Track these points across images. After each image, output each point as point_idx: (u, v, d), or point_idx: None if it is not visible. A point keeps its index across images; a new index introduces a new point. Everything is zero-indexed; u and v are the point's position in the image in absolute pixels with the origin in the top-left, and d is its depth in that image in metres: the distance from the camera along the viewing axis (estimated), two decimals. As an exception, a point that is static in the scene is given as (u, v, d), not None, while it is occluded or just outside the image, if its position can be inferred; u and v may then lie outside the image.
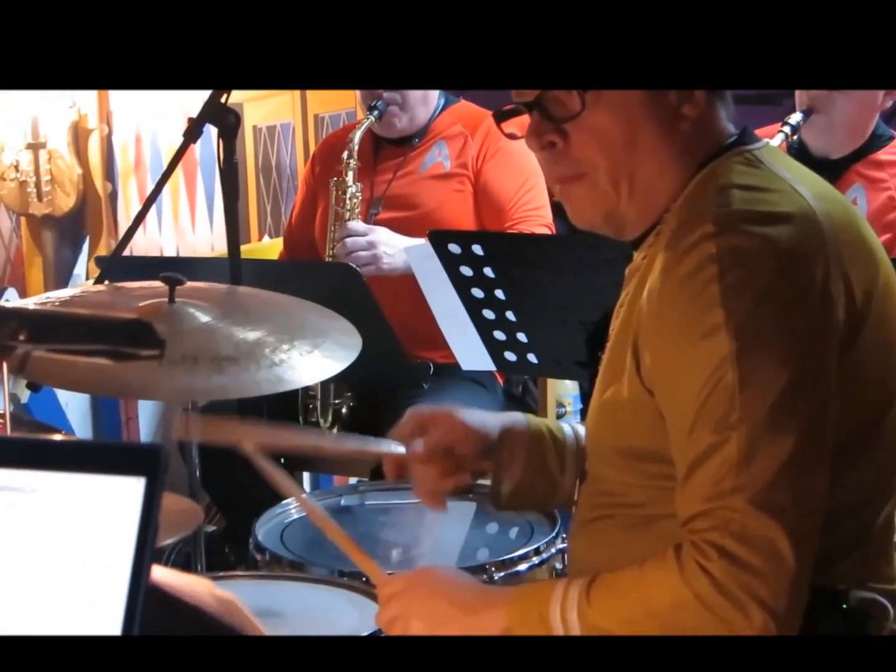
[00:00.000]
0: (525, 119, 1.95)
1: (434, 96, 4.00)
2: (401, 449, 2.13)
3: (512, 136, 2.05)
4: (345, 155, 3.91)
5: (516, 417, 2.20)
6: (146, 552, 1.21)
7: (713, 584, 1.67)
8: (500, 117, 2.01)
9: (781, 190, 1.84)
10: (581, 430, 2.18)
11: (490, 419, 2.17)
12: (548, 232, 3.83)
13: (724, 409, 1.72)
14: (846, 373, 1.78)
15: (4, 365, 1.61)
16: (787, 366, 1.72)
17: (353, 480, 3.78)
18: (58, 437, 2.95)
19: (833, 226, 1.82)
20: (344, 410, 3.80)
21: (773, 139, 3.38)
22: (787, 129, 3.48)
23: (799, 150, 3.50)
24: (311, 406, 3.80)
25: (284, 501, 2.75)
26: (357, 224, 3.83)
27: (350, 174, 3.91)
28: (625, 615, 1.75)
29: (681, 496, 1.76)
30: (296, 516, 2.71)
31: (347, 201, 3.90)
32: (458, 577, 2.00)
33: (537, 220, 3.83)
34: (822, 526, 1.74)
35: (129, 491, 1.22)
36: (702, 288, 1.75)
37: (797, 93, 3.59)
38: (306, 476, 4.20)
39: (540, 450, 2.15)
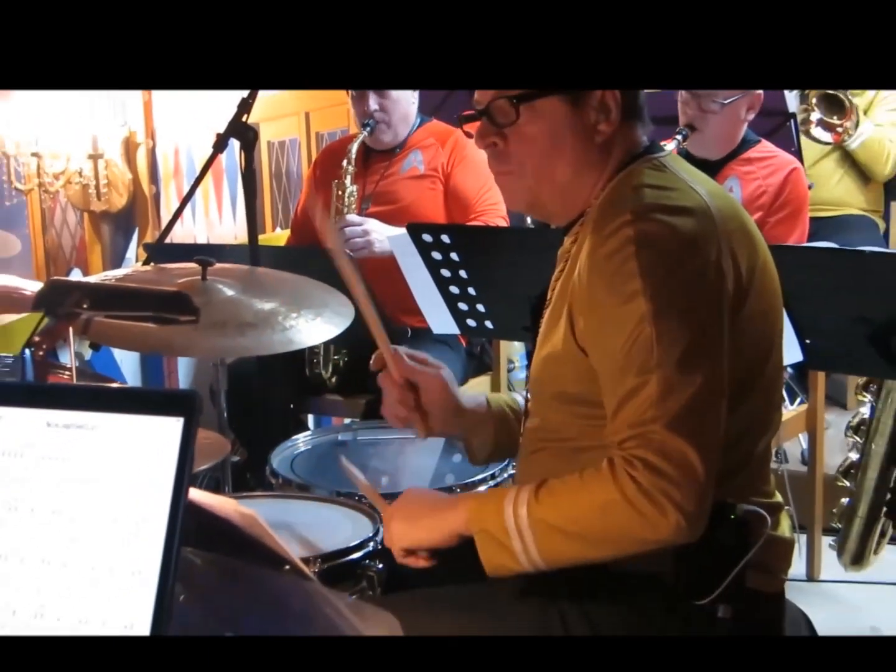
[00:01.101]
0: None
1: (413, 115, 4.00)
2: (398, 355, 2.09)
3: (468, 135, 2.04)
4: (344, 162, 3.91)
5: (480, 399, 2.16)
6: (185, 477, 1.22)
7: (639, 488, 1.67)
8: (462, 120, 2.01)
9: (682, 189, 1.85)
10: None
11: (464, 397, 2.14)
12: (503, 223, 3.83)
13: (643, 358, 1.72)
14: (737, 330, 1.79)
15: (71, 328, 1.61)
16: (691, 323, 1.74)
17: (347, 420, 3.80)
18: (114, 385, 2.96)
19: (722, 217, 1.83)
20: (340, 364, 3.82)
21: (668, 145, 3.43)
22: (679, 137, 3.53)
23: (686, 154, 3.52)
24: (314, 360, 3.82)
25: (293, 437, 2.76)
26: (353, 216, 3.84)
27: (348, 177, 3.91)
28: (566, 512, 1.75)
29: (611, 426, 1.76)
30: (303, 448, 2.72)
31: (346, 198, 3.90)
32: (430, 491, 2.03)
33: (495, 213, 3.83)
34: (727, 455, 1.76)
35: (170, 429, 1.23)
36: (622, 263, 1.76)
37: (680, 113, 3.62)
38: (311, 417, 4.18)
39: (505, 424, 2.13)
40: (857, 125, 4.66)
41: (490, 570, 1.80)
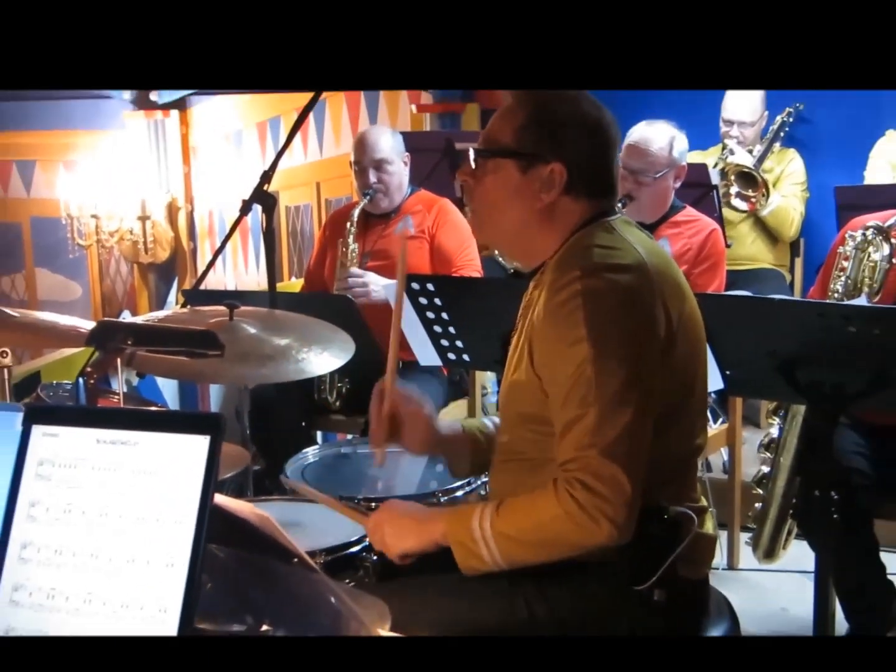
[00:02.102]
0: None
1: (405, 185, 4.00)
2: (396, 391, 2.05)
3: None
4: (348, 224, 3.91)
5: (456, 426, 2.14)
6: (210, 485, 1.22)
7: (577, 505, 1.68)
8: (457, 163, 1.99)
9: (626, 249, 1.84)
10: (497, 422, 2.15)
11: (442, 425, 2.12)
12: (478, 275, 3.83)
13: (584, 393, 1.72)
14: (668, 367, 1.79)
15: (118, 361, 1.60)
16: (626, 365, 1.73)
17: (349, 436, 3.78)
18: (154, 408, 2.95)
19: (658, 272, 1.82)
20: (343, 390, 3.80)
21: None
22: (619, 205, 3.52)
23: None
24: (322, 387, 3.80)
25: (304, 450, 2.74)
26: (355, 269, 3.83)
27: (351, 237, 3.91)
28: (520, 525, 1.76)
29: (557, 448, 1.77)
30: (312, 459, 2.70)
31: (349, 254, 3.90)
32: (411, 504, 1.98)
33: (472, 267, 3.84)
34: (654, 466, 1.76)
35: (199, 445, 1.23)
36: (571, 313, 1.75)
37: (620, 182, 3.62)
38: (319, 433, 4.16)
39: (477, 445, 2.11)
40: (767, 196, 4.68)
41: (464, 571, 1.81)
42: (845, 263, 2.86)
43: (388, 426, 2.04)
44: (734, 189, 4.70)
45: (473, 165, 1.92)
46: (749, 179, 4.70)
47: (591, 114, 1.91)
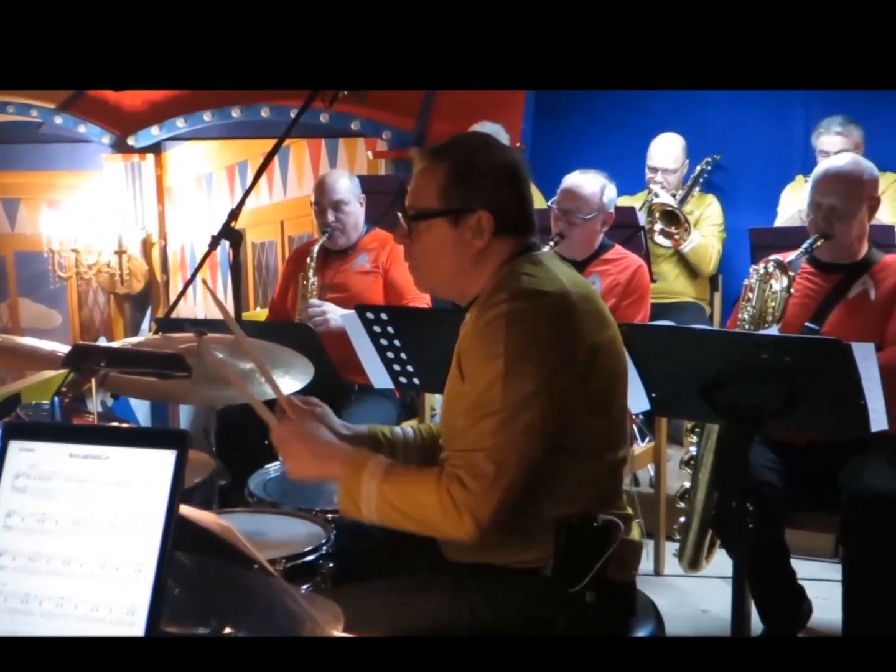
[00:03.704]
0: None
1: (361, 224, 4.00)
2: (290, 400, 2.01)
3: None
4: (308, 260, 3.90)
5: (360, 428, 2.12)
6: (177, 496, 1.21)
7: (450, 498, 1.72)
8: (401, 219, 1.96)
9: (550, 278, 1.84)
10: (409, 432, 2.16)
11: (342, 426, 2.08)
12: (426, 305, 3.84)
13: (490, 403, 1.74)
14: (587, 387, 1.80)
15: (92, 381, 1.58)
16: (533, 382, 1.74)
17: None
18: (126, 425, 2.90)
19: (580, 300, 1.82)
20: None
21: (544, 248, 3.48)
22: (552, 242, 3.56)
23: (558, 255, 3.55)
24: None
25: (266, 466, 2.71)
26: (315, 300, 3.83)
27: (311, 271, 3.90)
28: (401, 496, 1.78)
29: (452, 441, 1.81)
30: (273, 475, 2.67)
31: (310, 287, 3.89)
32: (316, 434, 1.91)
33: (421, 299, 3.83)
34: (582, 476, 1.79)
35: (166, 459, 1.22)
36: (494, 331, 1.77)
37: (552, 225, 3.65)
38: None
39: (378, 446, 2.08)
40: (689, 232, 4.73)
41: (341, 511, 1.86)
42: (750, 295, 2.91)
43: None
44: (658, 226, 4.76)
45: (407, 228, 1.92)
46: (672, 218, 4.76)
47: (504, 157, 1.92)
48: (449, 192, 1.87)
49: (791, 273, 2.87)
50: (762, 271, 2.89)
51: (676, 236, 4.75)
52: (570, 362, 1.78)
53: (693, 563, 3.03)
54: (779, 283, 2.85)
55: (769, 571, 2.86)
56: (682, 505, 3.02)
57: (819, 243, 2.89)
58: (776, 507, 2.76)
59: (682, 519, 3.02)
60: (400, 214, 1.95)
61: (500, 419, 1.73)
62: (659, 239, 4.76)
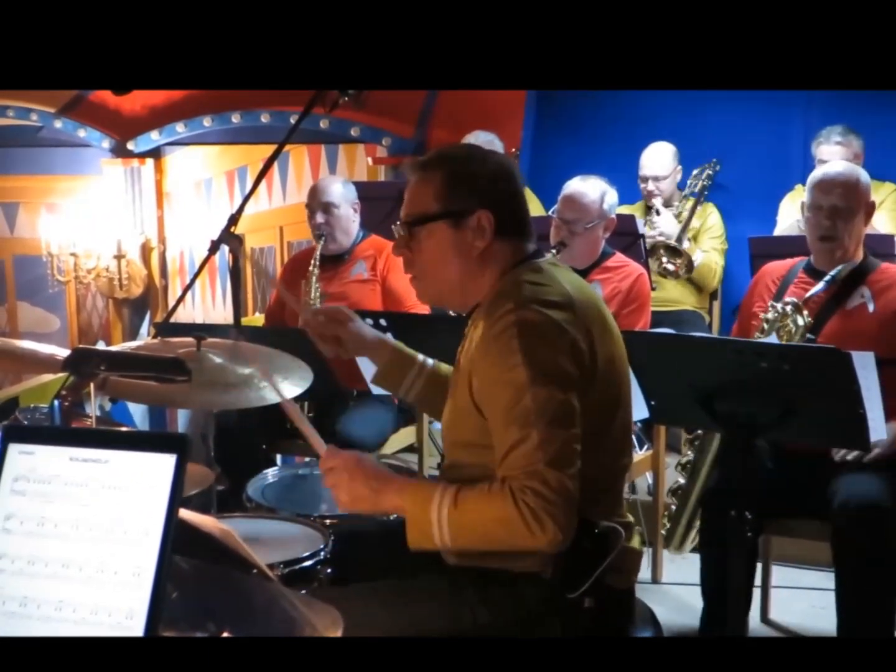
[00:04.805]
0: None
1: (353, 230, 4.00)
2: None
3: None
4: (311, 267, 3.90)
5: (388, 337, 2.22)
6: (176, 500, 1.20)
7: (529, 509, 1.68)
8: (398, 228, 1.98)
9: (554, 286, 1.84)
10: (429, 361, 2.22)
11: (370, 336, 2.22)
12: (425, 311, 3.83)
13: (524, 415, 1.72)
14: (593, 394, 1.80)
15: (91, 385, 1.58)
16: (559, 388, 1.74)
17: (307, 459, 3.74)
18: (125, 429, 2.90)
19: (583, 307, 1.83)
20: (309, 417, 3.74)
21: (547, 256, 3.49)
22: (553, 251, 3.56)
23: None
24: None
25: (264, 471, 2.71)
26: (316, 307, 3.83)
27: (315, 278, 3.90)
28: (475, 517, 1.74)
29: (502, 465, 1.75)
30: (271, 480, 2.67)
31: (313, 292, 3.89)
32: (375, 466, 1.87)
33: (420, 307, 3.81)
34: (584, 483, 1.75)
35: (166, 463, 1.22)
36: (507, 342, 1.76)
37: (553, 234, 3.65)
38: (279, 456, 4.11)
39: (402, 354, 2.19)
40: (688, 264, 4.70)
41: (412, 546, 1.79)
42: (766, 326, 2.91)
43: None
44: (664, 259, 4.74)
45: (409, 236, 1.92)
46: (674, 251, 4.75)
47: (496, 159, 1.94)
48: (447, 195, 1.88)
49: (806, 313, 2.86)
50: (780, 311, 2.88)
51: (679, 267, 4.73)
52: (579, 369, 1.78)
53: (680, 547, 3.09)
54: (802, 320, 2.85)
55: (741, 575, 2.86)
56: (674, 500, 3.07)
57: (846, 270, 2.89)
58: (770, 514, 2.78)
59: (673, 507, 3.06)
60: (397, 226, 1.95)
61: (541, 431, 1.71)
62: (665, 268, 4.75)
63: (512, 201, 1.93)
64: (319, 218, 3.90)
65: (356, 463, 1.83)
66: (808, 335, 2.89)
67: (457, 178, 1.89)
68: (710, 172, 5.04)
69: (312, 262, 3.90)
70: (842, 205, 2.89)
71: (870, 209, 2.96)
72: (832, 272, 2.89)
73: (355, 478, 1.81)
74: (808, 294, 2.87)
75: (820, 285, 2.88)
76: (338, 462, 1.83)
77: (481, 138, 4.86)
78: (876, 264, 2.98)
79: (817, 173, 3.01)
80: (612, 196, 3.71)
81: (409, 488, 1.81)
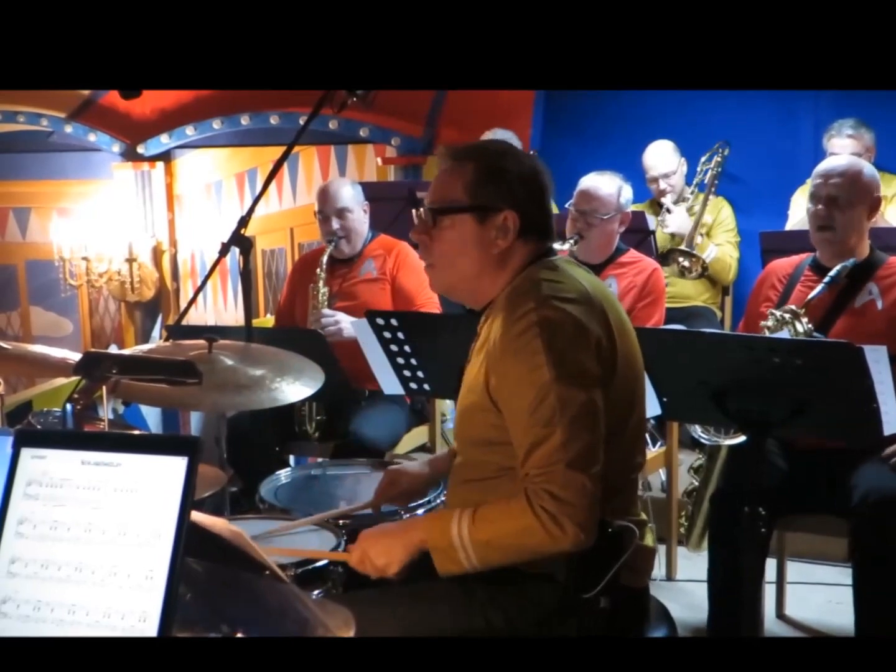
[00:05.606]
0: None
1: (365, 232, 3.99)
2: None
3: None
4: (318, 270, 3.90)
5: (425, 458, 2.24)
6: (188, 502, 1.20)
7: (547, 514, 1.68)
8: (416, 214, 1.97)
9: (571, 283, 1.84)
10: None
11: (422, 465, 2.25)
12: (437, 310, 3.83)
13: (548, 414, 1.72)
14: (611, 391, 1.79)
15: (103, 389, 1.58)
16: (582, 387, 1.73)
17: (319, 459, 3.74)
18: (137, 432, 2.91)
19: (601, 304, 1.83)
20: (320, 419, 3.76)
21: (564, 245, 3.57)
22: (571, 241, 3.56)
23: (575, 258, 3.54)
24: (301, 419, 3.74)
25: (277, 472, 2.71)
26: (327, 310, 3.82)
27: (321, 281, 3.90)
28: (496, 532, 1.75)
29: (523, 464, 1.75)
30: (284, 481, 2.67)
31: (320, 297, 3.89)
32: (383, 524, 1.93)
33: (431, 304, 3.84)
34: (605, 481, 1.75)
35: (177, 465, 1.22)
36: (529, 341, 1.75)
37: (569, 226, 3.65)
38: (291, 457, 4.11)
39: (444, 459, 2.21)
40: (702, 267, 4.68)
41: (442, 573, 1.79)
42: (767, 333, 2.88)
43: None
44: (680, 260, 4.72)
45: (431, 223, 1.91)
46: (689, 255, 4.73)
47: (531, 163, 1.93)
48: (477, 189, 1.87)
49: (805, 320, 2.83)
50: (779, 318, 2.85)
51: (694, 264, 4.72)
52: (599, 366, 1.78)
53: (698, 545, 3.09)
54: (802, 326, 2.82)
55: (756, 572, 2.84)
56: (689, 500, 3.07)
57: (846, 270, 2.86)
58: (783, 510, 2.76)
59: (690, 508, 3.07)
60: (418, 211, 1.94)
61: (565, 430, 1.71)
62: (679, 271, 4.75)
63: (540, 205, 1.92)
64: (335, 224, 3.90)
65: (365, 535, 1.87)
66: (817, 334, 2.86)
67: (490, 174, 1.87)
68: (719, 158, 5.01)
69: (319, 265, 3.90)
70: (838, 194, 2.87)
71: (874, 204, 2.92)
72: (832, 272, 2.85)
73: (376, 542, 1.84)
74: (808, 297, 2.83)
75: (820, 287, 2.84)
76: (356, 551, 1.86)
77: (499, 135, 4.85)
78: (883, 259, 2.95)
79: (820, 165, 3.00)
80: (627, 191, 3.74)
81: (427, 520, 1.85)
